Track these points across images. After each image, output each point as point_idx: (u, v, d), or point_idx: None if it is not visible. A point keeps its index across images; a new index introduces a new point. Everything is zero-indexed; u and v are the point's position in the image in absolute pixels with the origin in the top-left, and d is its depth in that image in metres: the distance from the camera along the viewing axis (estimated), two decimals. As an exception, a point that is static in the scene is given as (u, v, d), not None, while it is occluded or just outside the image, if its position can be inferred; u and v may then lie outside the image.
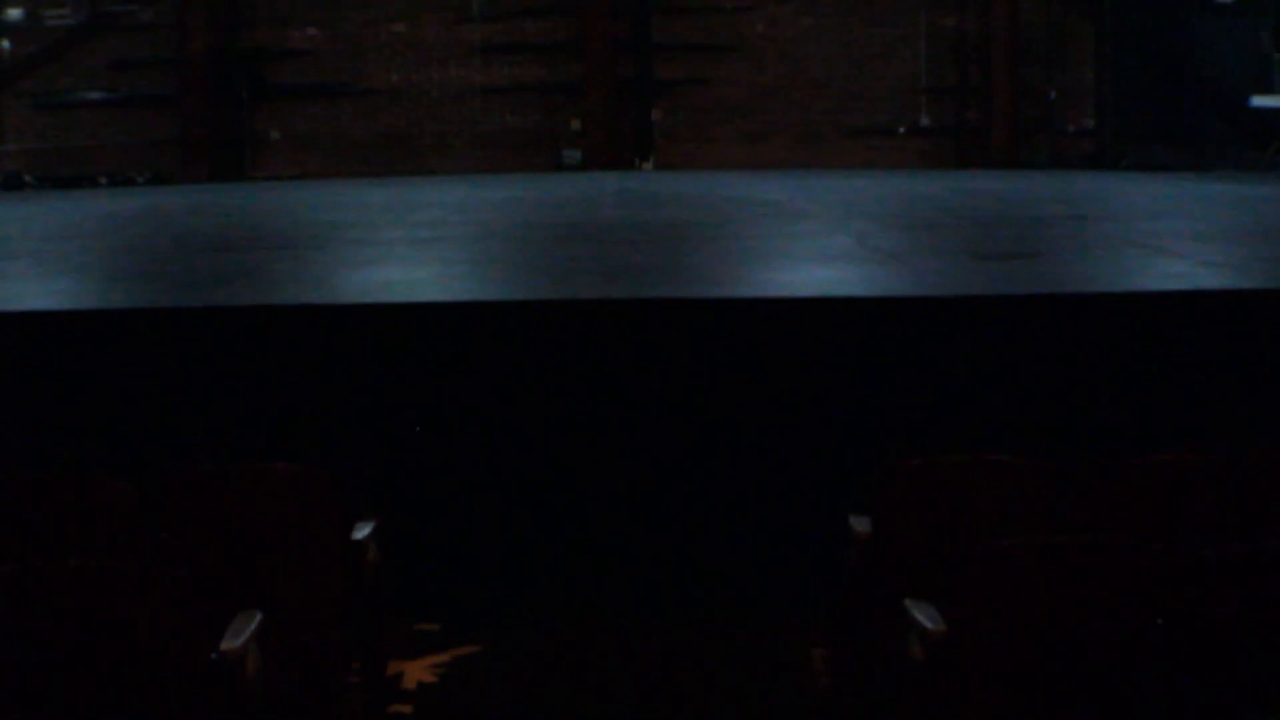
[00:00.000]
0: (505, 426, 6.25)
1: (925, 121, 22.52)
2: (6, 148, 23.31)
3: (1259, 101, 21.51)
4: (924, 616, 4.03)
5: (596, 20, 21.87)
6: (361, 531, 4.94)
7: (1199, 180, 17.95)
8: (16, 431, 6.27)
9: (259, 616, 4.02)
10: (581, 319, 6.24)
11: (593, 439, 6.27)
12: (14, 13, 23.08)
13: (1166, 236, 9.50)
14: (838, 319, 6.30)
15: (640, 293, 6.48)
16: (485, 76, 22.42)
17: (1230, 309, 6.88)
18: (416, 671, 5.41)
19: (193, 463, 5.22)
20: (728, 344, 6.28)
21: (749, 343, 6.29)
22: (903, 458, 4.87)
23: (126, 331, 6.55)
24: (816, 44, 22.42)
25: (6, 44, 23.25)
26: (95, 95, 23.04)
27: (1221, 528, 4.68)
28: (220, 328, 6.56)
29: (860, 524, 4.91)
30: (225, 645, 3.82)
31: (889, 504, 4.84)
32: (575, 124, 22.22)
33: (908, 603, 4.14)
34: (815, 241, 8.91)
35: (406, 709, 5.15)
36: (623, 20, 22.08)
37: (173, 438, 6.27)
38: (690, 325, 6.25)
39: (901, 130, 22.51)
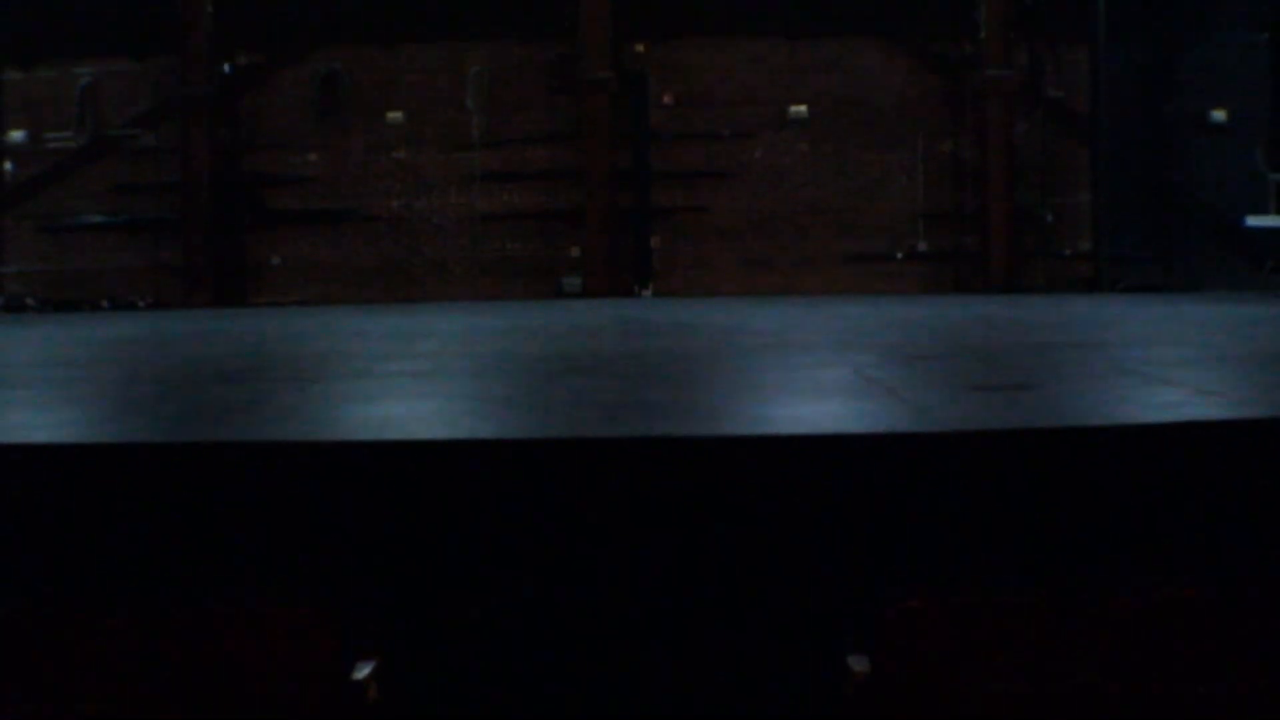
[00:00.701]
0: (506, 565, 6.25)
1: (923, 247, 22.63)
2: (8, 270, 23.38)
3: (1254, 221, 21.59)
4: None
5: (596, 148, 22.04)
6: (362, 671, 4.92)
7: (1195, 302, 18.01)
8: (13, 567, 6.26)
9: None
10: (582, 458, 6.25)
11: (592, 577, 6.27)
12: (16, 135, 23.23)
13: (1162, 364, 9.51)
14: (836, 456, 6.31)
15: (639, 431, 6.50)
16: (486, 204, 22.57)
17: (1227, 440, 6.87)
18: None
19: (191, 601, 5.20)
20: (727, 481, 6.29)
21: (748, 480, 6.30)
22: (903, 599, 4.86)
23: (126, 466, 6.55)
24: (814, 170, 22.58)
25: (9, 166, 23.38)
26: (97, 219, 23.14)
27: (1226, 667, 4.66)
28: (220, 464, 6.56)
29: (858, 663, 4.89)
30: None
31: (888, 645, 4.83)
32: (575, 251, 22.34)
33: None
34: (814, 374, 8.93)
35: None
36: (622, 148, 22.26)
37: (170, 575, 6.26)
38: (689, 463, 6.26)
39: (899, 256, 22.61)
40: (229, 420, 7.32)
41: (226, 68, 23.34)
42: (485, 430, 6.76)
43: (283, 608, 4.94)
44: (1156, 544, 6.35)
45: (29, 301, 23.11)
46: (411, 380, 9.04)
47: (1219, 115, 22.71)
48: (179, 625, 4.86)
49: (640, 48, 22.58)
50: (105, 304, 22.90)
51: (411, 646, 5.98)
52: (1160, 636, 4.75)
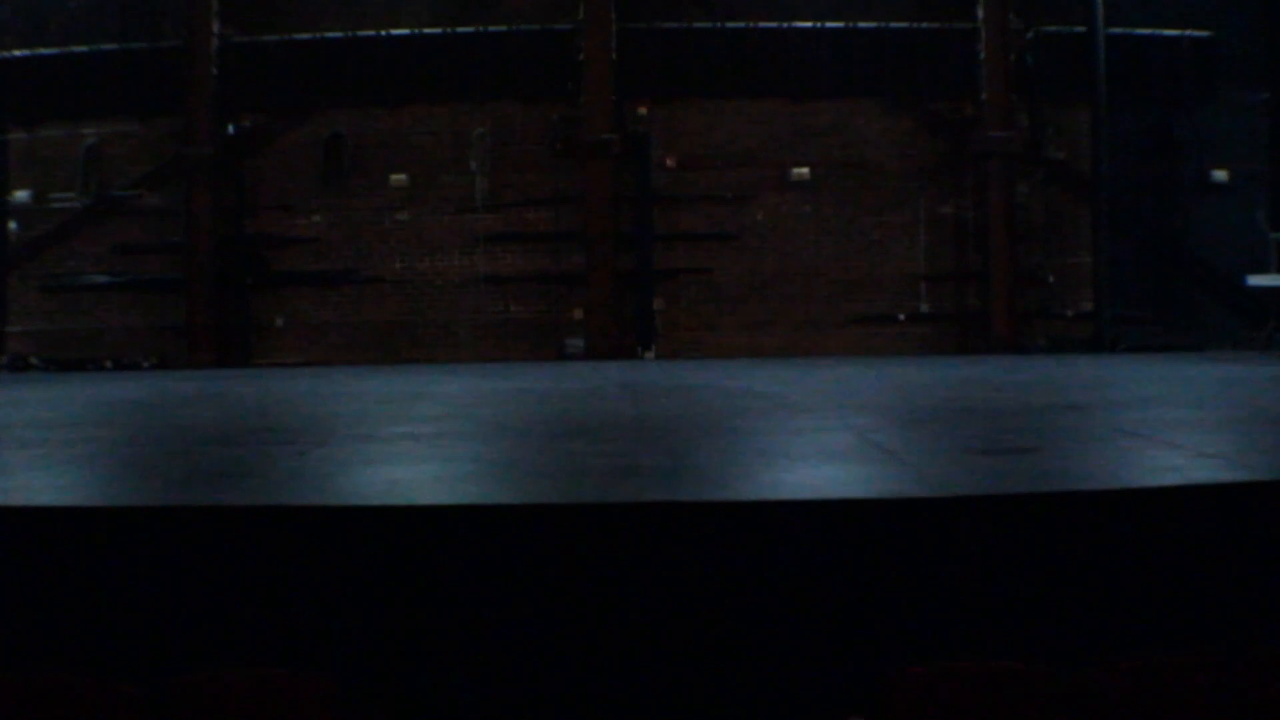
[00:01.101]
0: (507, 629, 6.25)
1: (925, 308, 22.66)
2: (13, 329, 23.41)
3: (1255, 280, 21.64)
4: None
5: (598, 211, 22.10)
6: (364, 737, 4.93)
7: (1196, 362, 18.02)
8: (18, 631, 6.26)
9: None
10: (585, 524, 6.26)
11: (596, 640, 6.27)
12: (21, 194, 23.30)
13: (1164, 425, 9.52)
14: (838, 521, 6.32)
15: (643, 496, 6.50)
16: (489, 266, 22.61)
17: (1228, 503, 6.88)
18: None
19: (193, 665, 5.20)
20: (728, 546, 6.29)
21: (749, 544, 6.30)
22: (905, 665, 4.87)
23: (130, 530, 6.56)
24: (816, 233, 22.63)
25: (14, 225, 23.45)
26: (101, 279, 23.19)
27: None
28: (222, 528, 6.57)
29: (861, 726, 4.91)
30: None
31: (889, 708, 4.83)
32: (578, 313, 22.37)
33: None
34: (816, 438, 8.94)
35: None
36: (624, 210, 22.32)
37: (174, 639, 6.27)
38: (692, 529, 6.27)
39: (902, 317, 22.64)
40: (231, 484, 7.33)
41: (230, 129, 23.43)
42: (487, 496, 6.77)
43: (284, 672, 4.94)
44: (1156, 606, 6.35)
45: (33, 360, 23.14)
46: (414, 444, 9.06)
47: (1220, 175, 22.79)
48: (180, 690, 4.87)
49: (643, 110, 22.66)
50: (109, 364, 22.92)
51: (413, 711, 5.98)
52: (1163, 699, 4.75)
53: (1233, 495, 6.98)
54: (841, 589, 6.27)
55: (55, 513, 6.73)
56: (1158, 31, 23.04)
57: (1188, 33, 23.04)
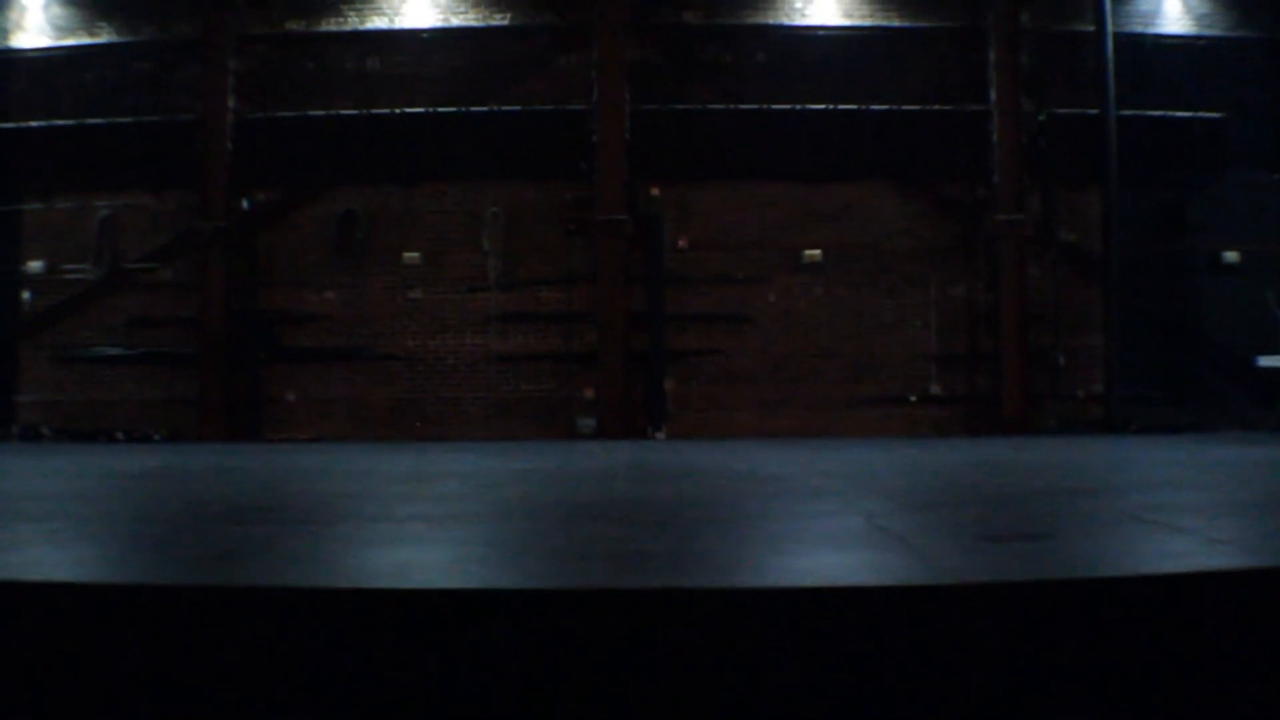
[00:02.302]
0: (519, 712, 6.25)
1: (936, 390, 22.72)
2: (24, 398, 23.51)
3: (1266, 361, 21.69)
4: None
5: (610, 290, 22.21)
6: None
7: (1207, 444, 18.00)
8: (27, 707, 6.27)
9: None
10: (594, 610, 6.27)
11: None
12: (35, 265, 23.47)
13: (1173, 509, 9.50)
14: (845, 609, 6.33)
15: (650, 582, 6.52)
16: (501, 344, 22.72)
17: (1236, 590, 6.86)
18: None
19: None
20: (736, 634, 6.30)
21: (758, 633, 6.31)
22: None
23: (143, 608, 6.57)
24: (828, 314, 22.73)
25: (27, 295, 23.58)
26: (113, 350, 23.32)
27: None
28: (230, 609, 6.57)
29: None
30: None
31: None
32: (589, 392, 22.47)
33: None
34: (825, 523, 8.95)
35: None
36: (636, 290, 22.43)
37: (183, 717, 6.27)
38: (699, 617, 6.28)
39: (913, 399, 22.70)
40: (241, 563, 7.35)
41: (245, 204, 23.60)
42: (497, 580, 6.78)
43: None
44: (1165, 696, 6.34)
45: (44, 431, 23.23)
46: (426, 525, 9.07)
47: (1231, 256, 22.89)
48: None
49: (655, 191, 22.84)
50: (120, 435, 23.01)
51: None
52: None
53: (1239, 582, 6.96)
54: (850, 679, 6.27)
55: (75, 590, 6.73)
56: (1169, 113, 23.22)
57: (1199, 114, 23.20)
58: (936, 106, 23.32)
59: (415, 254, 23.11)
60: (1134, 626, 6.55)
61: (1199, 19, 23.94)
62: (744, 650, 6.26)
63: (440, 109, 23.41)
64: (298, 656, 6.36)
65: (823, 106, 23.22)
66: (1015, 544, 7.79)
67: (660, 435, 22.26)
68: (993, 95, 23.31)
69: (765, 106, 23.26)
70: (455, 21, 23.85)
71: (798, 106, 23.23)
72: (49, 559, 7.53)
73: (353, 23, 24.01)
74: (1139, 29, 23.85)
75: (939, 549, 7.54)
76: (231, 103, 23.63)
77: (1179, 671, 6.45)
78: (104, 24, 24.36)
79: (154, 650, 6.44)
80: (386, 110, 23.51)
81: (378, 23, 23.99)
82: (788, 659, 6.26)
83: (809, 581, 6.70)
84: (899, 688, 6.27)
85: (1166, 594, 6.72)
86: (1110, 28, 23.17)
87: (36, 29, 24.49)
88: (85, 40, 24.34)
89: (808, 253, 22.83)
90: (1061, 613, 6.54)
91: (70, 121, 23.86)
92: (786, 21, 23.85)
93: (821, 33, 23.68)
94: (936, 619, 6.41)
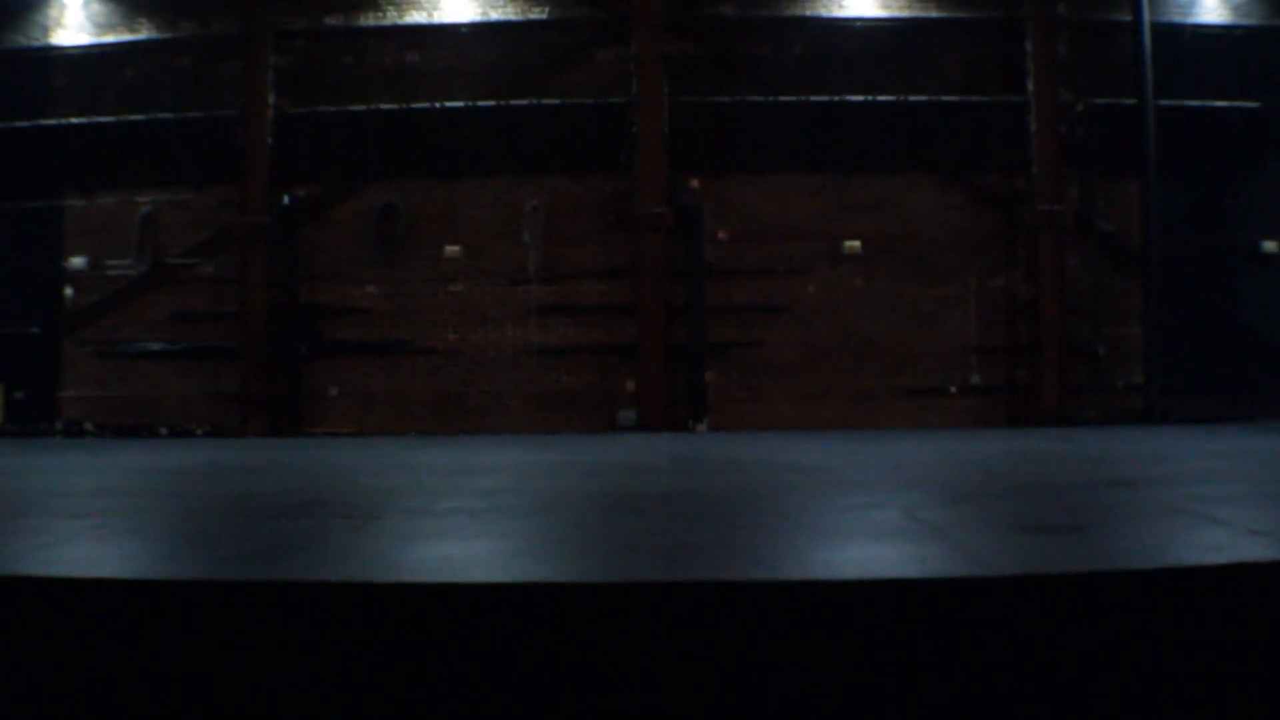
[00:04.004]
0: (561, 711, 6.28)
1: (976, 381, 22.70)
2: (68, 394, 23.66)
3: (1305, 352, 21.64)
4: None
5: (650, 283, 22.24)
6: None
7: (1247, 435, 17.95)
8: (69, 706, 6.33)
9: None
10: (635, 603, 6.31)
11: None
12: (77, 260, 23.61)
13: (1213, 501, 9.49)
14: (883, 601, 6.36)
15: (692, 575, 6.56)
16: (541, 337, 22.77)
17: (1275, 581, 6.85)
18: None
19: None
20: (778, 627, 6.33)
21: (799, 626, 6.34)
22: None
23: (191, 603, 6.63)
24: (868, 305, 22.73)
25: (70, 291, 23.72)
26: (156, 346, 23.44)
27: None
28: (277, 604, 6.63)
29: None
30: None
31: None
32: (630, 385, 22.50)
33: None
34: (865, 515, 8.98)
35: None
36: (677, 284, 22.47)
37: (229, 713, 6.32)
38: (739, 609, 6.31)
39: (953, 390, 22.69)
40: (287, 558, 7.41)
41: (286, 199, 23.69)
42: (538, 574, 6.83)
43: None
44: (1204, 689, 6.34)
45: (87, 426, 23.37)
46: (468, 519, 9.11)
47: (1270, 246, 22.81)
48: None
49: (695, 183, 22.86)
50: (163, 430, 23.13)
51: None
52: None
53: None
54: (890, 672, 6.29)
55: (122, 585, 6.79)
56: (1207, 103, 23.15)
57: (1237, 104, 23.11)
58: (974, 98, 23.31)
59: (456, 247, 23.19)
60: (1170, 619, 6.56)
61: (1236, 8, 23.85)
62: (785, 643, 6.30)
63: (479, 103, 23.50)
64: (340, 651, 6.42)
65: (861, 98, 23.23)
66: (1054, 536, 7.80)
67: (701, 427, 22.29)
68: (1030, 86, 23.28)
69: (803, 98, 23.28)
70: (494, 15, 23.92)
71: (836, 98, 23.24)
72: (96, 555, 7.60)
73: (391, 17, 24.10)
74: (1176, 19, 23.77)
75: (976, 542, 7.56)
76: (271, 98, 23.74)
77: (1223, 665, 6.45)
78: (144, 20, 24.50)
79: (202, 646, 6.49)
80: (426, 104, 23.58)
81: (416, 17, 24.08)
82: (827, 650, 6.30)
83: (846, 573, 6.74)
84: (934, 678, 6.29)
85: (1212, 585, 6.72)
86: (1147, 17, 23.11)
87: (76, 26, 24.64)
88: (125, 37, 24.48)
89: (847, 244, 22.84)
90: (1104, 605, 6.55)
91: (111, 118, 24.00)
92: (824, 13, 23.86)
93: (859, 24, 23.67)
94: (974, 610, 6.44)
